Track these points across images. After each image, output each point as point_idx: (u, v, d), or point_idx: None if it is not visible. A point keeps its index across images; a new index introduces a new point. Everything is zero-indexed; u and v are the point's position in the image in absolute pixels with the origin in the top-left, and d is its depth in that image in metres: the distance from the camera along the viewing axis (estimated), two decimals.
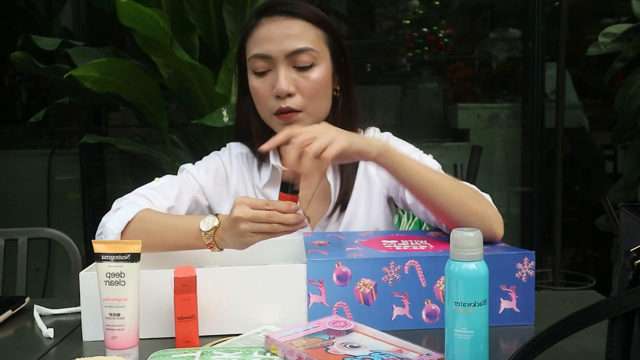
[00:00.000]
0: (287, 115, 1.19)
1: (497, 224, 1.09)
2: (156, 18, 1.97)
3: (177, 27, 2.20)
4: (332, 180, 1.27)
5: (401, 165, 1.05)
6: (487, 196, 1.15)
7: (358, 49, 3.85)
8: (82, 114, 2.87)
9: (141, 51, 2.25)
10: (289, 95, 1.18)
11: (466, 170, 2.30)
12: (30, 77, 3.56)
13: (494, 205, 1.13)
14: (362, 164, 1.30)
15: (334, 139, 0.98)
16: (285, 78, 1.17)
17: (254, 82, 1.21)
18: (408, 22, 4.01)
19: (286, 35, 1.17)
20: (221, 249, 1.05)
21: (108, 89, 2.14)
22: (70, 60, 2.31)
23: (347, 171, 1.27)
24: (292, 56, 1.18)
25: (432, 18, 3.96)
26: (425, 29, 3.91)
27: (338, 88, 1.27)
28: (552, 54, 3.01)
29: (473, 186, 1.16)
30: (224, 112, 2.03)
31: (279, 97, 1.18)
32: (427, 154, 1.31)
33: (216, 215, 1.05)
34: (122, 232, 1.12)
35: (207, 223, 1.04)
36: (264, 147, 1.01)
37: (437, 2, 4.05)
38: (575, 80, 3.40)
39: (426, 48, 3.90)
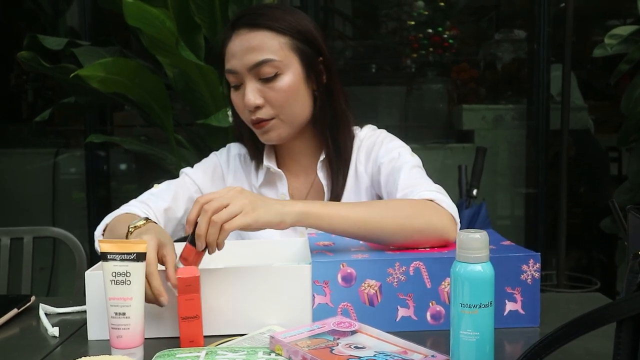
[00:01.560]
0: (259, 124, 1.22)
1: (444, 230, 1.06)
2: (162, 18, 1.98)
3: (183, 27, 2.20)
4: (324, 180, 1.28)
5: (324, 222, 1.01)
6: (435, 193, 1.11)
7: (363, 49, 3.85)
8: (87, 113, 2.88)
9: (147, 51, 2.25)
10: (258, 107, 1.20)
11: (470, 171, 2.30)
12: (36, 76, 3.57)
13: (443, 203, 1.09)
14: (352, 161, 1.30)
15: (242, 211, 0.94)
16: (251, 92, 1.19)
17: (232, 96, 1.26)
18: (413, 23, 4.00)
19: (247, 49, 1.19)
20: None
21: (114, 88, 2.14)
22: (76, 60, 2.31)
23: (340, 171, 1.28)
24: (254, 69, 1.19)
25: (437, 19, 3.95)
26: (430, 30, 3.90)
27: (316, 87, 1.26)
28: (557, 56, 3.00)
29: (414, 194, 1.12)
30: (229, 112, 2.03)
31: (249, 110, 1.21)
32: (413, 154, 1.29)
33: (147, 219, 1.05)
34: (103, 233, 1.18)
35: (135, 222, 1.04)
36: (186, 230, 0.97)
37: (442, 3, 4.04)
38: (580, 81, 3.39)
39: (431, 49, 3.89)
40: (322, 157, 1.28)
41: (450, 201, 1.12)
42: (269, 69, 1.19)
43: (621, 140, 2.72)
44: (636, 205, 0.58)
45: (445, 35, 3.90)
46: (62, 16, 3.17)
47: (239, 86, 1.23)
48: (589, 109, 3.41)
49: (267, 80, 1.19)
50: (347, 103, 1.30)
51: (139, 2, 1.93)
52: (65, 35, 2.89)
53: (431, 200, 1.10)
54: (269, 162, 1.31)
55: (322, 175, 1.29)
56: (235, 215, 0.93)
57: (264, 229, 0.97)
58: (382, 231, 1.04)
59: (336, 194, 1.27)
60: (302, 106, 1.24)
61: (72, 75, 2.02)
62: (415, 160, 1.26)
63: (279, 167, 1.32)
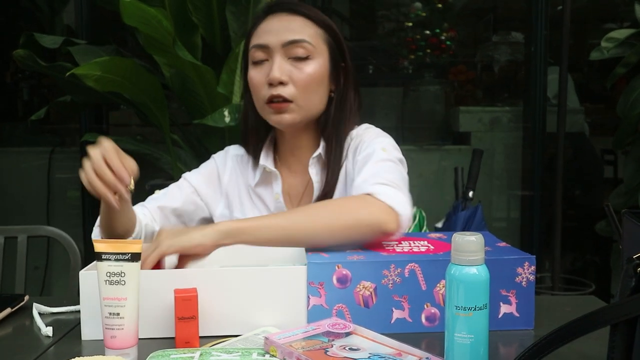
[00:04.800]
0: (278, 104, 1.22)
1: (377, 223, 1.05)
2: (159, 18, 1.98)
3: (180, 27, 2.20)
4: (315, 175, 1.28)
5: (248, 236, 1.03)
6: (377, 186, 1.09)
7: (360, 50, 3.85)
8: (83, 112, 2.87)
9: (143, 50, 2.25)
10: (281, 83, 1.21)
11: (467, 173, 2.30)
12: (32, 74, 3.56)
13: (381, 196, 1.07)
14: (343, 160, 1.30)
15: (157, 247, 0.99)
16: (279, 67, 1.21)
17: (251, 72, 1.26)
18: (410, 24, 4.01)
19: (285, 27, 1.23)
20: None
21: (110, 87, 2.14)
22: (72, 59, 2.31)
23: (331, 167, 1.27)
24: (288, 46, 1.21)
25: (434, 21, 3.96)
26: (427, 32, 3.91)
27: (334, 89, 1.28)
28: (554, 58, 3.01)
29: (362, 189, 1.12)
30: (226, 113, 2.03)
31: (271, 84, 1.21)
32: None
33: None
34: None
35: None
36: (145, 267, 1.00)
37: (440, 5, 4.05)
38: (576, 84, 3.40)
39: (428, 51, 3.90)
40: (316, 153, 1.28)
41: (397, 193, 1.10)
42: (303, 50, 1.22)
43: (617, 143, 2.73)
44: (631, 210, 0.58)
45: (443, 37, 3.90)
46: (59, 14, 3.16)
47: (262, 62, 1.23)
48: (585, 111, 3.42)
49: (297, 59, 1.22)
50: (358, 110, 1.32)
51: (136, 2, 1.93)
52: (61, 34, 2.89)
53: (369, 194, 1.08)
54: (265, 162, 1.31)
55: (313, 172, 1.29)
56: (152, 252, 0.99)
57: (187, 253, 1.01)
58: (309, 233, 1.04)
59: (327, 192, 1.27)
60: (319, 99, 1.26)
61: (68, 73, 2.02)
62: (389, 155, 1.22)
63: (277, 166, 1.32)
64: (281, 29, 1.22)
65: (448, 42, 3.91)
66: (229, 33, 2.27)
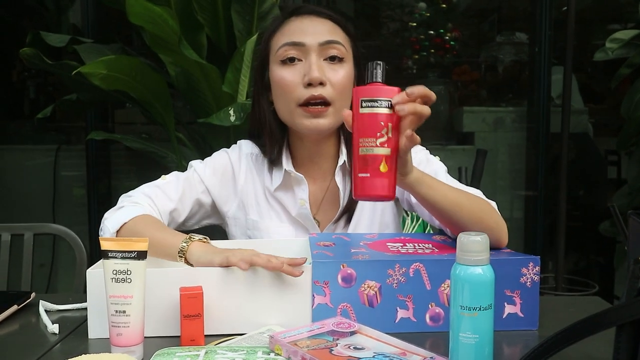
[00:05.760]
0: (317, 108, 1.17)
1: (505, 235, 1.10)
2: (165, 17, 1.98)
3: (185, 26, 2.20)
4: (341, 184, 1.26)
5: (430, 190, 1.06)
6: (494, 203, 1.15)
7: (364, 50, 3.85)
8: (89, 110, 2.88)
9: (149, 49, 2.25)
10: (321, 84, 1.17)
11: (471, 173, 2.30)
12: (38, 73, 3.57)
13: (499, 213, 1.13)
14: None
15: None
16: (317, 67, 1.17)
17: (282, 72, 1.20)
18: (414, 24, 4.01)
19: (320, 29, 1.20)
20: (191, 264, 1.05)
21: (116, 86, 2.14)
22: (78, 57, 2.32)
23: None
24: (325, 46, 1.19)
25: (438, 21, 3.96)
26: (431, 32, 3.91)
27: None
28: (558, 59, 3.01)
29: (479, 194, 1.15)
30: (231, 112, 2.03)
31: (310, 85, 1.17)
32: (435, 156, 1.31)
33: (199, 239, 1.07)
34: (117, 232, 1.14)
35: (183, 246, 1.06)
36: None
37: (444, 5, 4.05)
38: (580, 85, 3.40)
39: (432, 51, 3.90)
40: (341, 161, 1.25)
41: None
42: (338, 51, 1.20)
43: (621, 144, 2.73)
44: (637, 210, 0.59)
45: (447, 37, 3.90)
46: (65, 13, 3.17)
47: (295, 62, 1.19)
48: (589, 112, 3.42)
49: (333, 60, 1.19)
50: None
51: (142, 0, 1.93)
52: (67, 33, 2.89)
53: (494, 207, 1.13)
54: (288, 166, 1.26)
55: (339, 180, 1.26)
56: None
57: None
58: (464, 216, 1.06)
59: (352, 200, 1.26)
60: (347, 104, 1.20)
61: (74, 72, 2.02)
62: (443, 166, 1.27)
63: (296, 171, 1.27)
64: (315, 28, 1.19)
65: (452, 43, 3.91)
66: (234, 32, 2.27)
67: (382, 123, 0.89)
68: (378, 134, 0.89)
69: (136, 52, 2.56)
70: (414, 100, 0.90)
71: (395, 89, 0.90)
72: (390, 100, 0.89)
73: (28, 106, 3.73)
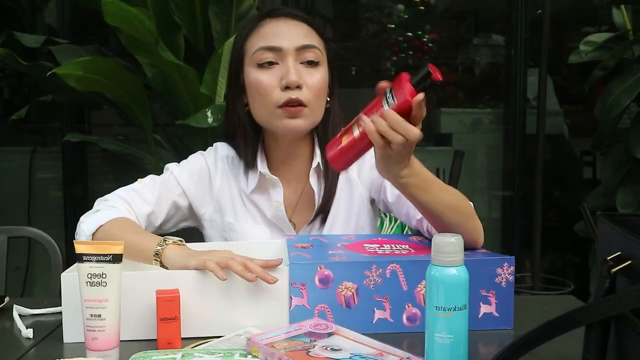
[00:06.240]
0: (295, 108, 1.19)
1: (481, 236, 1.11)
2: (141, 17, 1.97)
3: (162, 27, 2.19)
4: (316, 186, 1.27)
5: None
6: (470, 204, 1.15)
7: (343, 52, 3.86)
8: (65, 112, 2.85)
9: (125, 50, 2.23)
10: (298, 87, 1.19)
11: (448, 174, 2.32)
12: (13, 73, 3.52)
13: (476, 214, 1.13)
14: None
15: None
16: (295, 71, 1.19)
17: (258, 75, 1.21)
18: (393, 26, 4.03)
19: (296, 32, 1.21)
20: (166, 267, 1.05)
21: (92, 87, 2.12)
22: (53, 58, 2.29)
23: (330, 177, 1.27)
24: (301, 50, 1.20)
25: (416, 23, 3.98)
26: (410, 34, 3.93)
27: (328, 99, 1.27)
28: (534, 61, 3.04)
29: (458, 194, 1.15)
30: (209, 113, 2.02)
31: (288, 88, 1.18)
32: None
33: (173, 242, 1.07)
34: (93, 234, 1.14)
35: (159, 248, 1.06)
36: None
37: (422, 7, 4.08)
38: (556, 87, 3.44)
39: (410, 52, 3.92)
40: (315, 164, 1.26)
41: None
42: (314, 55, 1.21)
43: (595, 145, 2.76)
44: (606, 212, 0.60)
45: (425, 39, 3.93)
46: (40, 13, 3.12)
47: (272, 65, 1.20)
48: (565, 113, 3.46)
49: (309, 64, 1.21)
50: (343, 120, 1.31)
51: (118, 1, 1.91)
52: (43, 33, 2.85)
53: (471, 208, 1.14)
54: (263, 168, 1.27)
55: (313, 182, 1.27)
56: None
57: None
58: (447, 213, 1.06)
59: (326, 200, 1.27)
60: (323, 107, 1.25)
61: (49, 73, 2.00)
62: None
63: (271, 173, 1.27)
64: (291, 32, 1.21)
65: (430, 44, 3.94)
66: (212, 33, 2.26)
67: (375, 112, 0.94)
68: (364, 116, 0.94)
69: (112, 53, 2.54)
70: (378, 130, 0.93)
71: (410, 100, 0.92)
72: (394, 101, 0.93)
73: (2, 107, 3.67)
